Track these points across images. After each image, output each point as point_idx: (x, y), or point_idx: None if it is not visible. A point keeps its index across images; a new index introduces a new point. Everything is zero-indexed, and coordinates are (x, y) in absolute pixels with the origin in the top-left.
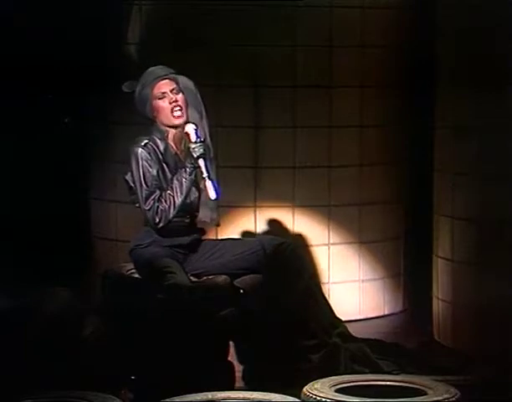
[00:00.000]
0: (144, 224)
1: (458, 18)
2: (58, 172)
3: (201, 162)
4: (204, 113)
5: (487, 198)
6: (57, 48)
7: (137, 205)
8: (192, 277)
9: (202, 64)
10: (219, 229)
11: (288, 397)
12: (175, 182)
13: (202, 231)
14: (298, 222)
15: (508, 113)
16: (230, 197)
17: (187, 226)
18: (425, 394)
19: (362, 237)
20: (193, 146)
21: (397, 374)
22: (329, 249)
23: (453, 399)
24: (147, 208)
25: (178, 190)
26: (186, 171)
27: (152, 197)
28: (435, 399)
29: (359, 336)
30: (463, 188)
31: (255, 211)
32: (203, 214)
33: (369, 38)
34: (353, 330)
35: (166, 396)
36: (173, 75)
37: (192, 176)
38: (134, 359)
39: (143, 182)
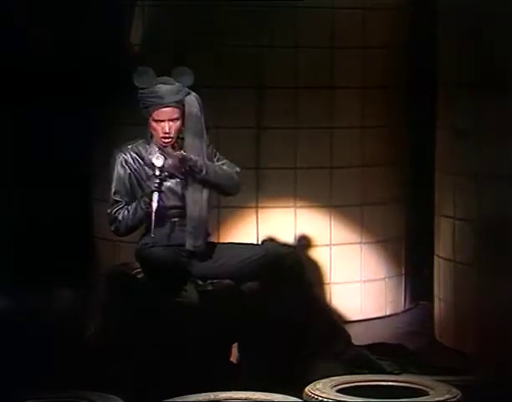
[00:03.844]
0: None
1: (458, 18)
2: (59, 172)
3: (155, 196)
4: (205, 137)
5: (488, 199)
6: (59, 48)
7: None
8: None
9: (203, 65)
10: (222, 229)
11: (290, 397)
12: (134, 206)
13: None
14: (300, 223)
15: (508, 113)
16: (232, 198)
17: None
18: (427, 394)
19: (364, 237)
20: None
21: (399, 375)
22: (330, 249)
23: (455, 399)
24: (108, 211)
25: (131, 214)
26: (144, 202)
27: (116, 206)
28: (437, 399)
29: (360, 336)
30: (464, 189)
31: (257, 212)
32: (188, 243)
33: (370, 39)
34: (354, 331)
35: (168, 396)
36: (180, 100)
37: (145, 208)
38: (136, 359)
39: (113, 187)
